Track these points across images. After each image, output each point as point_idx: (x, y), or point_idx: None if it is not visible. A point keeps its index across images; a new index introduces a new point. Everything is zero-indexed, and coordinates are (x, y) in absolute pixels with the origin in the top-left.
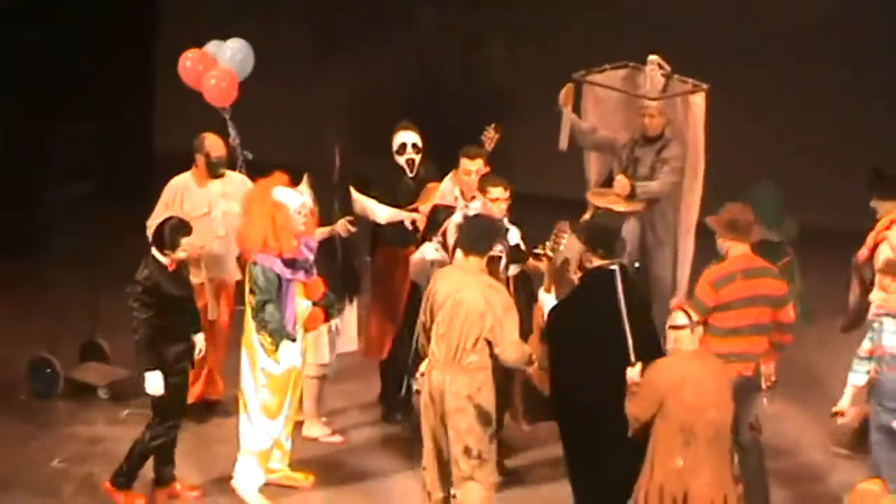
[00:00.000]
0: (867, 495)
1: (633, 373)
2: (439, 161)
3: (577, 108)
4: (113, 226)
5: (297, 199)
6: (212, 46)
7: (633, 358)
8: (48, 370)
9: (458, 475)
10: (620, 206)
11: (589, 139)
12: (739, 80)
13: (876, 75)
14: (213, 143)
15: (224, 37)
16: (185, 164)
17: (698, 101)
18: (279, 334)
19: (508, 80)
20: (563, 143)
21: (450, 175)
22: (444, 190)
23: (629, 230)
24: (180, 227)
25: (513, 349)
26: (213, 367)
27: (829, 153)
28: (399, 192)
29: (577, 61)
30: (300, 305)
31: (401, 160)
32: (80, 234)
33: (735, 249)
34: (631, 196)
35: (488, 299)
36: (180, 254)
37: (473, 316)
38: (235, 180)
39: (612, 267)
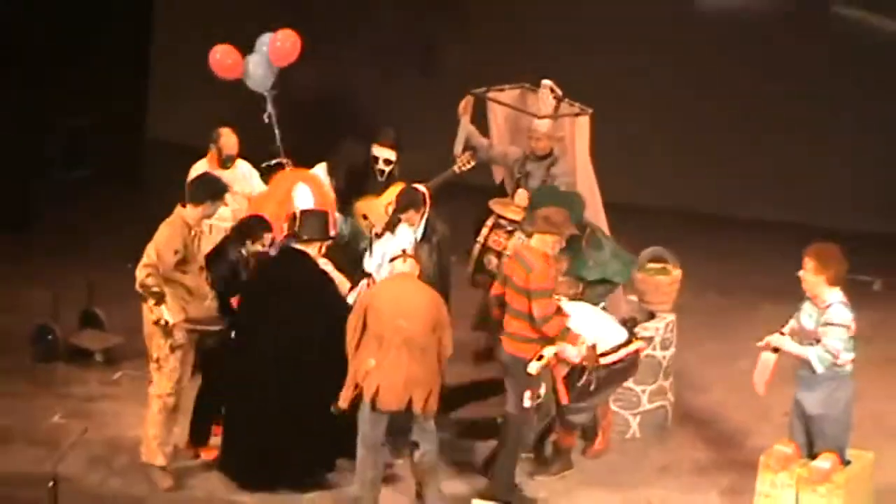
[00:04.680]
0: (780, 457)
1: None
2: None
3: (480, 121)
4: (106, 208)
5: (306, 201)
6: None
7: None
8: (49, 336)
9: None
10: (520, 216)
11: (484, 154)
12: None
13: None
14: (227, 141)
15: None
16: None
17: (582, 123)
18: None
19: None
20: (458, 150)
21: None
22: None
23: None
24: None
25: None
26: None
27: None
28: (368, 185)
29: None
30: None
31: (374, 167)
32: (78, 215)
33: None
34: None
35: None
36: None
37: None
38: (243, 168)
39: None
